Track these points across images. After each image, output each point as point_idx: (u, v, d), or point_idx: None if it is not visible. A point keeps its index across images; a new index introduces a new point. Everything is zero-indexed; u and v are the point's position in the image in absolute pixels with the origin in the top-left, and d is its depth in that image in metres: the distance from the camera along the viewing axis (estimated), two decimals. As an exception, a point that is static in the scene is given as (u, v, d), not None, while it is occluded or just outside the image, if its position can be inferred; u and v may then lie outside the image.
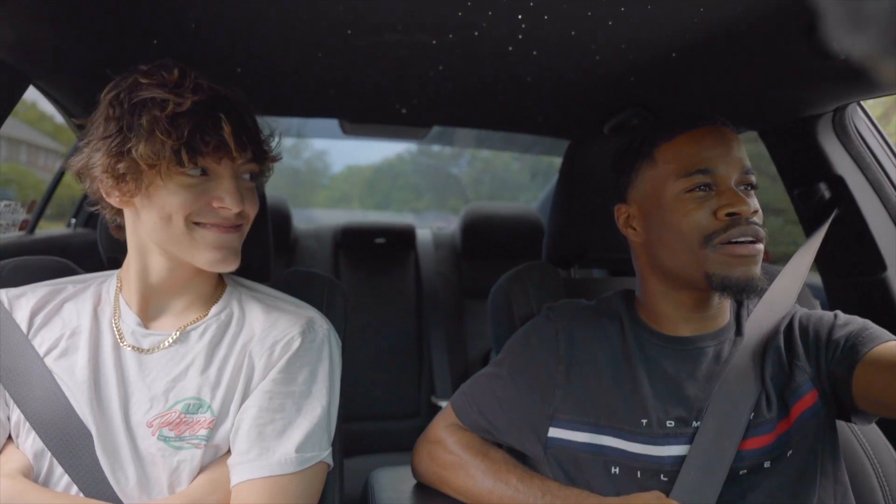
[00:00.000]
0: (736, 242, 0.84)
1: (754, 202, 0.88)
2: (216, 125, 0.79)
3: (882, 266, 1.19)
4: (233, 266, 0.86)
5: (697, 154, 0.88)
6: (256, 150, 0.86)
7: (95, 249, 1.09)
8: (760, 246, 0.86)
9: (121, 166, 0.79)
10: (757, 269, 0.86)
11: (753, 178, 0.88)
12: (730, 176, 0.87)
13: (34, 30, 1.01)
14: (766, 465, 0.85)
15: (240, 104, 0.85)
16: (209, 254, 0.84)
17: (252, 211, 0.88)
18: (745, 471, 0.85)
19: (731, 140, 0.89)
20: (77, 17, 0.99)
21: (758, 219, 0.87)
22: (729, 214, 0.84)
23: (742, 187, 0.88)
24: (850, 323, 0.88)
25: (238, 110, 0.84)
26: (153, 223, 0.83)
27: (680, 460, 0.85)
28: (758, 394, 0.87)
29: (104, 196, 0.85)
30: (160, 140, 0.77)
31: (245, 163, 0.86)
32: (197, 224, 0.83)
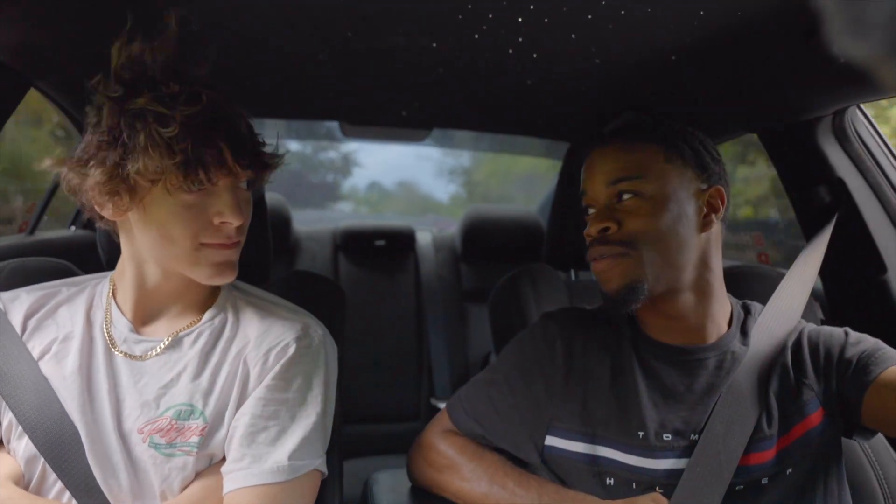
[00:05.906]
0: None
1: (623, 217, 0.87)
2: (214, 141, 0.77)
3: (882, 268, 1.19)
4: (230, 278, 0.86)
5: (584, 179, 0.94)
6: (254, 160, 0.84)
7: (95, 251, 1.09)
8: (606, 262, 0.87)
9: (115, 182, 0.76)
10: (612, 285, 0.87)
11: (626, 185, 0.88)
12: (597, 198, 0.91)
13: (35, 32, 1.01)
14: (764, 481, 0.84)
15: (234, 114, 0.82)
16: (209, 270, 0.83)
17: (248, 221, 0.87)
18: (742, 486, 0.84)
19: (605, 157, 0.91)
20: (78, 19, 0.99)
21: (614, 235, 0.87)
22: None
23: (616, 199, 0.88)
24: (861, 341, 0.87)
25: (233, 121, 0.81)
26: (152, 240, 0.82)
27: (676, 474, 0.84)
28: (762, 408, 0.86)
29: (97, 209, 0.83)
30: (159, 157, 0.74)
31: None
32: (203, 244, 0.82)
